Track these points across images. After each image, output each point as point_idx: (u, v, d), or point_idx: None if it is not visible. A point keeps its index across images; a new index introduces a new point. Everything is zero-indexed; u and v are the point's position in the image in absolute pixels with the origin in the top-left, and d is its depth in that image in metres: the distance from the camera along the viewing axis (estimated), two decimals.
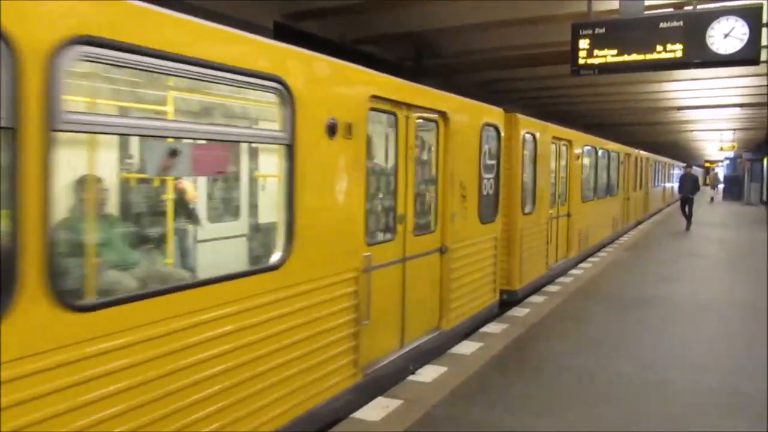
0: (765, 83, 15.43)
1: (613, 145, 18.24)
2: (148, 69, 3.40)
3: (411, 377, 5.99)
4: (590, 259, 14.45)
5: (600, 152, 16.29)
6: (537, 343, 7.35)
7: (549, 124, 11.49)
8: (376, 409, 5.20)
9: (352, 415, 5.03)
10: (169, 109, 4.94)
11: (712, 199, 40.82)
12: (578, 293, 10.42)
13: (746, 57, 7.53)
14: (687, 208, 20.81)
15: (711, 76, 14.88)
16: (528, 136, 10.17)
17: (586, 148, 14.73)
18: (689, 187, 20.98)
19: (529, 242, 10.17)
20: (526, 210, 10.08)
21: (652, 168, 27.64)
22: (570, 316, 8.77)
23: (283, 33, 8.84)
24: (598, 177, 15.90)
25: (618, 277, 12.12)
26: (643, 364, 6.57)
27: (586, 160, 14.86)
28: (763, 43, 7.69)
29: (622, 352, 7.08)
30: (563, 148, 12.76)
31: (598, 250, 15.76)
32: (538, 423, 5.06)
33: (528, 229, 10.10)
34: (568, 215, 12.90)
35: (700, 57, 7.67)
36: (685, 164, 26.85)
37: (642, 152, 24.13)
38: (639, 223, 23.05)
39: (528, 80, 16.31)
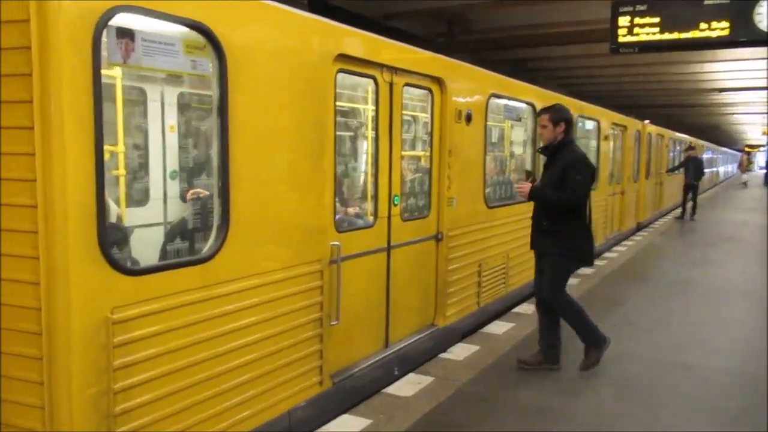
0: None
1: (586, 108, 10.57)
2: None
3: (442, 354, 5.77)
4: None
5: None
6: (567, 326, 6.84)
7: None
8: (408, 385, 5.07)
9: (384, 390, 4.94)
10: None
11: (745, 183, 39.29)
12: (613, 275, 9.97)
13: None
14: (691, 195, 18.84)
15: (757, 56, 13.83)
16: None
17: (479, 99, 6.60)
18: (693, 172, 18.35)
19: None
20: None
21: (669, 149, 20.78)
22: (604, 298, 8.34)
23: (316, 7, 8.10)
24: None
25: (652, 261, 11.43)
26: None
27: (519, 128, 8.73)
28: None
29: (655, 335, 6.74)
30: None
31: None
32: (569, 403, 4.87)
33: None
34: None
35: (747, 35, 7.20)
36: (687, 146, 21.20)
37: (653, 127, 17.49)
38: (641, 227, 15.75)
39: (562, 59, 15.67)
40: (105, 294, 2.91)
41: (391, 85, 5.10)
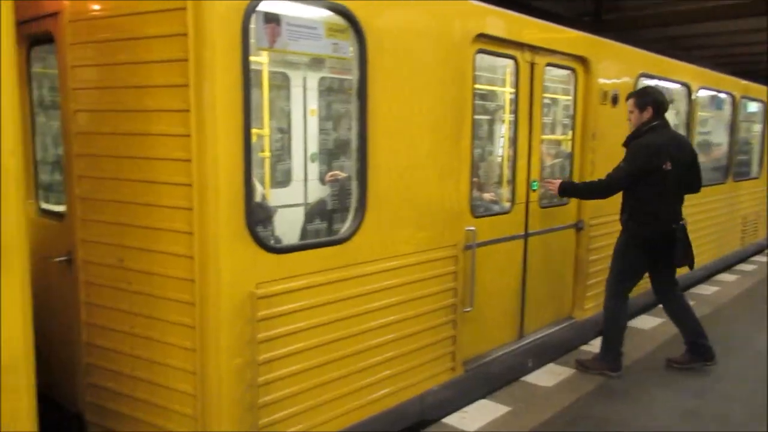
0: None
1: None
2: None
3: (583, 347, 5.54)
4: None
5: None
6: (726, 325, 6.42)
7: None
8: (547, 375, 4.98)
9: (523, 378, 4.89)
10: None
11: None
12: None
13: None
14: None
15: None
16: None
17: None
18: None
19: None
20: None
21: None
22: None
23: None
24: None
25: None
26: None
27: None
28: None
29: None
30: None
31: None
32: (723, 408, 4.54)
33: None
34: None
35: None
36: None
37: None
38: None
39: (722, 35, 14.08)
40: (250, 270, 3.04)
41: (532, 65, 4.87)
